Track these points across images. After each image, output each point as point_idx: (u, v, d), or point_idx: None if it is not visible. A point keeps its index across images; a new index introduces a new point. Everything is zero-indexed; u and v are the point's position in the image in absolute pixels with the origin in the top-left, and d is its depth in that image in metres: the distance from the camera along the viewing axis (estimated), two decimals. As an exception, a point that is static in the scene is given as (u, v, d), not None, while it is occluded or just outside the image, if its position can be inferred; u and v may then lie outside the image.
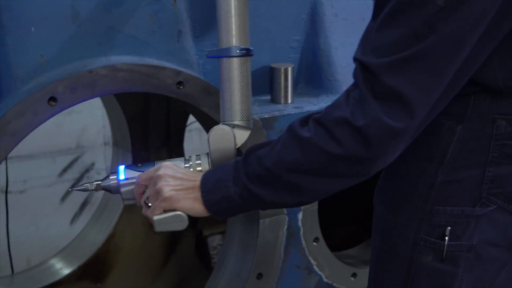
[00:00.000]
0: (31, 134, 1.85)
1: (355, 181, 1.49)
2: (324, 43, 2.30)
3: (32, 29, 1.81)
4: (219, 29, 1.78)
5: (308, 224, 2.34)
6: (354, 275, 2.49)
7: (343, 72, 2.32)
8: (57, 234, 4.06)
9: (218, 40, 1.79)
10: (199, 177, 1.62)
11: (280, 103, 2.24)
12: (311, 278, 2.41)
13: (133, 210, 2.92)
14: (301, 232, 2.33)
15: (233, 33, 1.77)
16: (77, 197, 4.29)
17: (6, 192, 3.06)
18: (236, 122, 1.79)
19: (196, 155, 1.78)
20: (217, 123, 2.05)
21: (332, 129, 1.41)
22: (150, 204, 1.64)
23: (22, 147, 4.01)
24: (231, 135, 1.76)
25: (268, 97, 2.26)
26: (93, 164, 4.31)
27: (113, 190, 1.78)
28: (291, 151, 1.47)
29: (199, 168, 1.74)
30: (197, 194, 1.60)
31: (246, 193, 1.53)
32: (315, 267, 2.40)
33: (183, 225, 1.65)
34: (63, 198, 4.25)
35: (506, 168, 1.54)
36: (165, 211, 1.62)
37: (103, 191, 1.81)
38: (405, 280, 1.64)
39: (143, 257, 3.01)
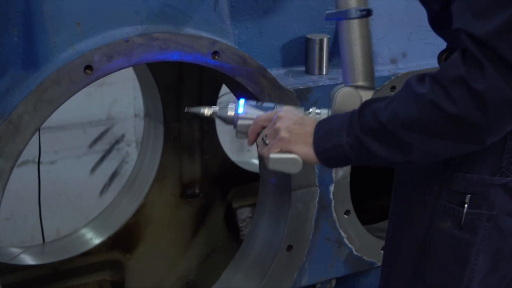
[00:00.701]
0: (62, 104, 1.87)
1: (467, 148, 1.47)
2: (361, 14, 2.28)
3: (70, -4, 1.82)
4: None
5: (339, 196, 2.34)
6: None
7: (379, 43, 2.30)
8: (87, 205, 4.10)
9: (337, 2, 1.79)
10: (313, 123, 1.62)
11: (314, 74, 2.23)
12: (341, 251, 2.41)
13: (164, 181, 2.94)
14: (333, 205, 2.33)
15: None
16: (107, 169, 4.32)
17: (39, 163, 3.08)
18: (360, 83, 1.81)
19: (316, 108, 1.76)
20: (251, 93, 2.06)
21: (448, 88, 1.38)
22: (267, 142, 1.65)
23: (54, 118, 4.04)
24: (358, 98, 1.78)
25: (303, 68, 2.25)
26: (123, 135, 4.33)
27: (228, 121, 1.76)
28: (406, 106, 1.45)
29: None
30: (312, 140, 1.60)
31: (357, 144, 1.52)
32: (345, 240, 2.40)
33: (296, 168, 1.63)
34: (93, 169, 4.28)
35: None
36: (282, 152, 1.62)
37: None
38: (422, 245, 1.64)
39: (172, 228, 3.03)
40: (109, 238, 2.89)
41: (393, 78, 2.32)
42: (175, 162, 2.95)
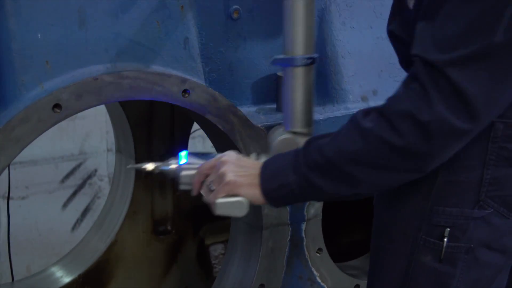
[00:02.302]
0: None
1: (411, 177, 1.51)
2: (331, 51, 2.29)
3: (39, 35, 1.80)
4: (286, 37, 1.80)
5: (311, 234, 2.33)
6: (357, 286, 2.48)
7: (350, 81, 2.31)
8: (58, 241, 4.05)
9: (284, 48, 1.81)
10: (258, 164, 1.65)
11: (285, 112, 2.23)
12: (313, 289, 2.40)
13: (136, 217, 2.91)
14: (304, 243, 2.32)
15: (299, 42, 1.79)
16: (79, 204, 4.28)
17: (8, 199, 3.04)
18: (299, 130, 1.83)
19: (256, 154, 1.80)
20: (221, 131, 2.05)
21: (394, 121, 1.41)
22: (213, 188, 1.66)
23: (25, 153, 4.00)
24: (295, 144, 1.80)
25: (274, 106, 2.25)
26: (95, 170, 4.30)
27: (171, 174, 1.79)
28: (352, 141, 1.48)
29: None
30: (258, 181, 1.62)
31: (304, 182, 1.54)
32: (318, 278, 2.39)
33: (243, 211, 1.65)
34: (65, 204, 4.24)
35: (504, 170, 1.56)
36: (228, 196, 1.64)
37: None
38: (404, 278, 1.65)
39: (144, 266, 3.00)
40: (79, 276, 2.84)
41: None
42: (147, 198, 2.93)
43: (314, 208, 2.31)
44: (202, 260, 3.09)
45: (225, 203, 1.64)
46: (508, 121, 1.52)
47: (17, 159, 3.90)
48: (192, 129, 3.02)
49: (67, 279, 2.80)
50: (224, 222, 2.98)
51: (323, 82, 2.30)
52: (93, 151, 4.27)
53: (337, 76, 2.30)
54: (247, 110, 2.19)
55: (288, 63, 1.80)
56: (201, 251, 3.09)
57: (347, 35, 2.31)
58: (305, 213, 2.29)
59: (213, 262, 3.09)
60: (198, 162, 1.75)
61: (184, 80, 1.95)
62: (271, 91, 2.25)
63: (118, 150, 2.99)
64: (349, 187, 1.52)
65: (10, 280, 3.03)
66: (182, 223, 3.03)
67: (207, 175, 1.70)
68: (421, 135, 1.39)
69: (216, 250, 3.10)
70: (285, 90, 1.83)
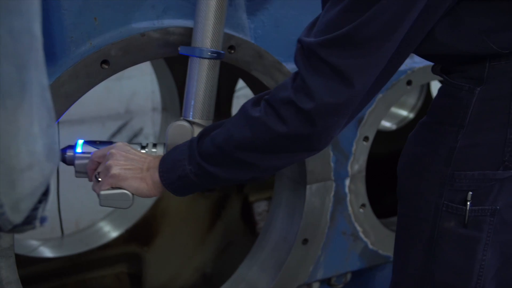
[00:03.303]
0: (81, 98, 1.88)
1: (305, 156, 1.59)
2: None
3: (87, -9, 1.84)
4: (195, 29, 1.81)
5: (355, 190, 2.34)
6: (400, 242, 2.49)
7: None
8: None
9: (192, 38, 1.82)
10: (149, 159, 1.70)
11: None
12: (356, 245, 2.42)
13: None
14: (348, 198, 2.34)
15: (208, 35, 1.80)
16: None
17: (58, 157, 3.10)
18: (197, 120, 1.82)
19: (153, 143, 1.82)
20: (266, 88, 2.06)
21: (278, 109, 1.48)
22: (99, 179, 1.70)
23: (72, 112, 4.07)
24: (188, 132, 1.80)
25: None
26: (141, 129, 4.36)
27: (67, 162, 1.85)
28: (241, 129, 1.54)
29: (155, 155, 1.76)
30: (145, 174, 1.67)
31: (200, 171, 1.60)
32: (361, 233, 2.41)
33: (127, 203, 1.68)
34: (112, 162, 4.30)
35: None
36: (113, 188, 1.67)
37: None
38: (429, 246, 1.65)
39: (189, 222, 3.05)
40: (126, 231, 2.91)
41: (409, 72, 2.32)
42: (192, 156, 2.96)
43: (358, 164, 2.32)
44: (246, 217, 3.13)
45: (109, 195, 1.67)
46: None
47: (65, 117, 3.96)
48: (237, 87, 3.04)
49: (114, 234, 2.86)
50: (268, 179, 3.01)
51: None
52: (139, 110, 4.32)
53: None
54: (292, 66, 2.19)
55: (195, 54, 1.81)
56: (245, 207, 3.13)
57: None
58: (349, 169, 2.31)
59: (256, 218, 3.13)
60: (93, 150, 1.79)
61: (230, 37, 1.96)
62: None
63: (164, 108, 3.03)
64: (245, 172, 1.59)
65: (60, 235, 3.11)
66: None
67: (99, 163, 1.73)
68: (303, 120, 1.46)
69: (260, 206, 3.13)
70: (188, 79, 1.84)
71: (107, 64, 1.84)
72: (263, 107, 1.52)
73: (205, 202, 3.04)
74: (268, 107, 1.50)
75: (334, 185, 2.29)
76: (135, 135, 4.34)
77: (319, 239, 2.31)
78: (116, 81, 4.15)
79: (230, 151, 1.55)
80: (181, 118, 1.84)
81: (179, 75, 2.81)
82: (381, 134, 3.27)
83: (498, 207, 1.57)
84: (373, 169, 2.52)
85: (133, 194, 1.67)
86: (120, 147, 1.72)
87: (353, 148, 2.30)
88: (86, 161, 1.79)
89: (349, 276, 2.51)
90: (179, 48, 1.85)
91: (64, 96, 1.82)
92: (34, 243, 2.81)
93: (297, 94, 1.46)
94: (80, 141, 1.84)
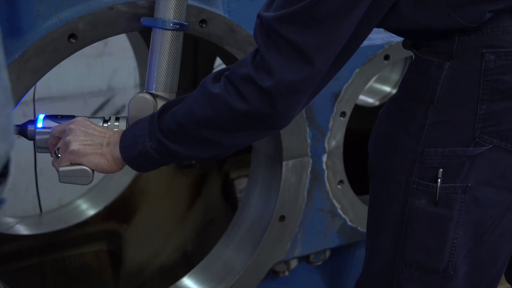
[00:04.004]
0: (62, 75, 1.85)
1: (267, 134, 1.57)
2: None
3: (51, -37, 1.79)
4: (157, 0, 1.77)
5: (332, 166, 2.32)
6: (379, 219, 2.47)
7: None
8: (88, 176, 4.09)
9: (155, 10, 1.78)
10: (109, 134, 1.66)
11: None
12: (335, 222, 2.40)
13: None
14: (325, 175, 2.31)
15: (171, 6, 1.76)
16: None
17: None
18: (160, 93, 1.78)
19: (116, 117, 1.78)
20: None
21: (238, 86, 1.45)
22: (58, 156, 1.66)
23: (54, 89, 4.05)
24: (151, 105, 1.76)
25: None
26: (124, 106, 4.32)
27: (29, 136, 1.80)
28: (201, 106, 1.51)
29: (115, 130, 1.73)
30: (105, 150, 1.63)
31: (161, 147, 1.57)
32: (339, 210, 2.39)
33: (87, 180, 1.65)
34: (94, 140, 4.27)
35: (500, 104, 1.50)
36: (72, 164, 1.64)
37: None
38: (400, 225, 1.62)
39: (169, 199, 3.03)
40: (105, 209, 2.89)
41: (386, 46, 2.29)
42: (171, 132, 2.93)
43: (336, 140, 2.29)
44: (226, 194, 3.11)
45: (68, 171, 1.64)
46: (499, 50, 1.47)
47: (46, 94, 3.95)
48: (216, 64, 3.01)
49: (92, 211, 2.84)
50: (249, 156, 2.99)
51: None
52: (121, 87, 4.28)
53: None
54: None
55: (157, 25, 1.77)
56: (226, 185, 3.11)
57: None
58: (326, 145, 2.28)
59: (238, 195, 3.10)
60: (54, 124, 1.75)
61: (201, 10, 1.92)
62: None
63: (142, 85, 2.99)
64: (206, 149, 1.56)
65: (39, 212, 3.08)
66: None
67: (59, 138, 1.70)
68: (263, 99, 1.43)
69: (241, 183, 3.11)
70: (151, 52, 1.80)
71: (75, 38, 1.80)
72: (223, 83, 1.49)
73: (185, 179, 3.02)
74: (228, 83, 1.48)
75: (311, 161, 2.26)
76: (118, 112, 4.30)
77: (296, 216, 2.29)
78: (98, 57, 4.11)
79: (191, 129, 1.52)
80: (144, 91, 1.80)
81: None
82: (364, 110, 3.25)
83: (469, 184, 1.54)
84: (357, 145, 2.49)
85: (93, 170, 1.65)
86: (80, 122, 1.68)
87: (330, 124, 2.27)
88: (47, 136, 1.75)
89: (328, 253, 2.48)
90: (141, 19, 1.80)
91: (31, 71, 1.78)
92: (11, 220, 2.78)
93: (257, 71, 1.43)
94: (41, 116, 1.79)
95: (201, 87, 1.54)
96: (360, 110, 3.15)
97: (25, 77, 1.77)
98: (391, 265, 1.66)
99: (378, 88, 3.46)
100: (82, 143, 1.64)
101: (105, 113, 4.27)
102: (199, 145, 1.55)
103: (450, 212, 1.56)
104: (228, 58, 2.11)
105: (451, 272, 1.60)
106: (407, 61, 3.25)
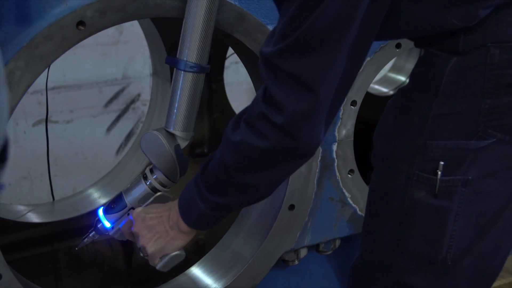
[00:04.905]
0: (78, 63, 1.86)
1: (299, 163, 1.58)
2: None
3: (58, -51, 1.79)
4: (182, 41, 1.82)
5: (342, 156, 2.31)
6: (390, 209, 2.46)
7: None
8: (103, 164, 4.11)
9: (179, 50, 1.82)
10: (165, 215, 1.75)
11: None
12: (345, 211, 2.39)
13: (172, 140, 2.92)
14: (336, 164, 2.31)
15: (194, 49, 1.80)
16: (123, 128, 4.32)
17: (46, 123, 3.07)
18: (177, 133, 1.86)
19: (150, 169, 1.89)
20: (250, 50, 2.02)
21: (256, 125, 1.48)
22: (146, 256, 1.81)
23: (69, 77, 4.06)
24: (158, 138, 1.83)
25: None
26: (139, 95, 4.32)
27: (101, 234, 1.99)
28: (230, 155, 1.55)
29: (157, 184, 1.89)
30: (173, 233, 1.74)
31: (212, 204, 1.63)
32: (349, 199, 2.38)
33: (181, 257, 1.80)
34: (109, 128, 4.29)
35: (505, 98, 1.49)
36: (161, 258, 1.79)
37: None
38: (400, 214, 1.62)
39: (180, 187, 3.00)
40: (117, 197, 2.88)
41: (398, 35, 2.27)
42: (183, 121, 2.92)
43: (346, 129, 2.28)
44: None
45: (163, 266, 1.79)
46: (504, 44, 1.46)
47: (61, 83, 3.96)
48: (228, 53, 3.00)
49: (104, 200, 2.83)
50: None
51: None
52: (136, 75, 4.28)
53: None
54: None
55: (179, 66, 1.81)
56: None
57: None
58: (336, 134, 2.27)
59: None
60: (115, 218, 1.91)
61: (210, -2, 1.91)
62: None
63: (155, 73, 2.99)
64: (250, 193, 1.61)
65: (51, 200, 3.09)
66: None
67: (131, 231, 1.83)
68: (283, 134, 1.45)
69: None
70: (172, 90, 1.85)
71: (83, 26, 1.81)
72: (243, 128, 1.52)
73: (196, 167, 2.98)
74: (247, 126, 1.51)
75: (321, 150, 2.25)
76: (133, 101, 4.31)
77: (306, 205, 2.29)
78: (113, 46, 4.11)
79: (228, 178, 1.58)
80: (163, 127, 1.88)
81: (168, 39, 2.76)
82: (377, 99, 3.23)
83: (469, 178, 1.54)
84: (368, 134, 2.48)
85: (179, 251, 1.78)
86: (137, 219, 1.79)
87: (341, 113, 2.26)
88: (119, 231, 1.91)
89: (338, 243, 2.48)
90: (165, 58, 1.88)
91: (39, 58, 1.78)
92: (23, 208, 2.79)
93: (267, 108, 1.46)
94: (101, 212, 1.94)
95: (224, 138, 1.58)
96: (372, 99, 3.14)
97: (33, 64, 1.77)
98: (391, 255, 1.66)
99: (392, 78, 3.44)
100: (153, 241, 1.75)
101: (120, 102, 4.28)
102: (242, 191, 1.60)
103: (449, 204, 1.56)
104: (238, 47, 2.10)
105: (449, 263, 1.59)
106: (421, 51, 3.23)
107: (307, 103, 1.43)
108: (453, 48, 1.50)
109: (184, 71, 1.81)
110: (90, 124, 4.22)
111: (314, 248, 2.45)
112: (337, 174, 2.32)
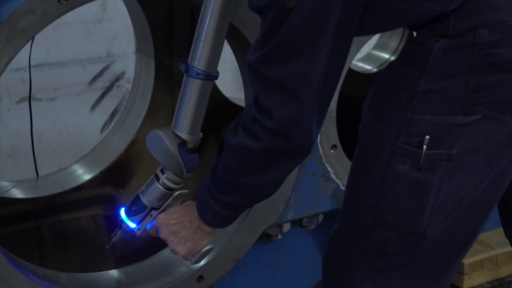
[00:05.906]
0: (61, 41, 1.87)
1: (297, 161, 1.64)
2: None
3: None
4: (193, 48, 1.85)
5: (325, 131, 2.32)
6: (372, 184, 2.47)
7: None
8: (87, 142, 4.10)
9: (190, 56, 1.86)
10: (187, 219, 1.82)
11: None
12: (328, 186, 2.41)
13: (156, 116, 2.92)
14: (318, 139, 2.32)
15: (204, 57, 1.83)
16: (108, 106, 4.32)
17: (30, 100, 3.07)
18: (184, 135, 1.91)
19: (160, 170, 1.97)
20: (234, 27, 2.02)
21: (250, 128, 1.54)
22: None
23: (53, 55, 4.04)
24: (160, 137, 1.88)
25: None
26: (123, 73, 4.31)
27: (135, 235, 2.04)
28: (231, 158, 1.64)
29: (169, 183, 1.95)
30: (198, 234, 1.82)
31: (223, 204, 1.71)
32: (332, 174, 2.39)
33: (211, 250, 1.90)
34: (94, 106, 4.28)
35: (492, 77, 1.52)
36: (193, 255, 1.88)
37: None
38: (381, 186, 1.64)
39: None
40: (101, 173, 2.88)
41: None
42: (167, 97, 2.92)
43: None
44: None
45: (197, 260, 1.88)
46: (493, 25, 1.50)
47: (45, 60, 3.94)
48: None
49: (88, 176, 2.83)
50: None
51: None
52: (120, 53, 4.27)
53: None
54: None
55: (189, 73, 1.85)
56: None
57: None
58: (319, 110, 2.27)
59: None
60: (139, 219, 1.99)
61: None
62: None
63: (139, 50, 2.98)
64: (254, 193, 1.69)
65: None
66: (203, 122, 3.03)
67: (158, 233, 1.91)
68: (274, 137, 1.52)
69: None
70: (181, 94, 1.90)
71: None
72: (240, 132, 1.58)
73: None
74: (243, 130, 1.57)
75: (303, 125, 2.25)
76: (117, 79, 4.30)
77: (289, 180, 2.30)
78: (97, 23, 4.10)
79: (232, 180, 1.65)
80: (170, 127, 1.93)
81: (152, 16, 2.75)
82: (362, 77, 3.24)
83: (454, 152, 1.56)
84: (351, 111, 2.49)
85: (209, 246, 1.87)
86: (162, 225, 1.87)
87: (323, 88, 2.26)
88: (146, 233, 1.99)
89: (321, 217, 2.50)
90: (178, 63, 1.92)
91: (20, 31, 1.78)
92: (6, 184, 2.79)
93: (259, 113, 1.52)
94: (123, 213, 2.02)
95: (226, 142, 1.65)
96: (356, 76, 3.15)
97: (14, 38, 1.77)
98: (369, 225, 1.68)
99: (376, 55, 3.45)
100: (181, 245, 1.84)
101: (104, 79, 4.26)
102: (246, 191, 1.67)
103: (432, 178, 1.58)
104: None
105: (429, 235, 1.62)
106: (405, 28, 3.24)
107: (293, 108, 1.49)
108: (443, 32, 1.54)
109: (193, 77, 1.85)
110: (75, 102, 4.21)
111: (297, 222, 2.46)
112: (320, 149, 2.33)
